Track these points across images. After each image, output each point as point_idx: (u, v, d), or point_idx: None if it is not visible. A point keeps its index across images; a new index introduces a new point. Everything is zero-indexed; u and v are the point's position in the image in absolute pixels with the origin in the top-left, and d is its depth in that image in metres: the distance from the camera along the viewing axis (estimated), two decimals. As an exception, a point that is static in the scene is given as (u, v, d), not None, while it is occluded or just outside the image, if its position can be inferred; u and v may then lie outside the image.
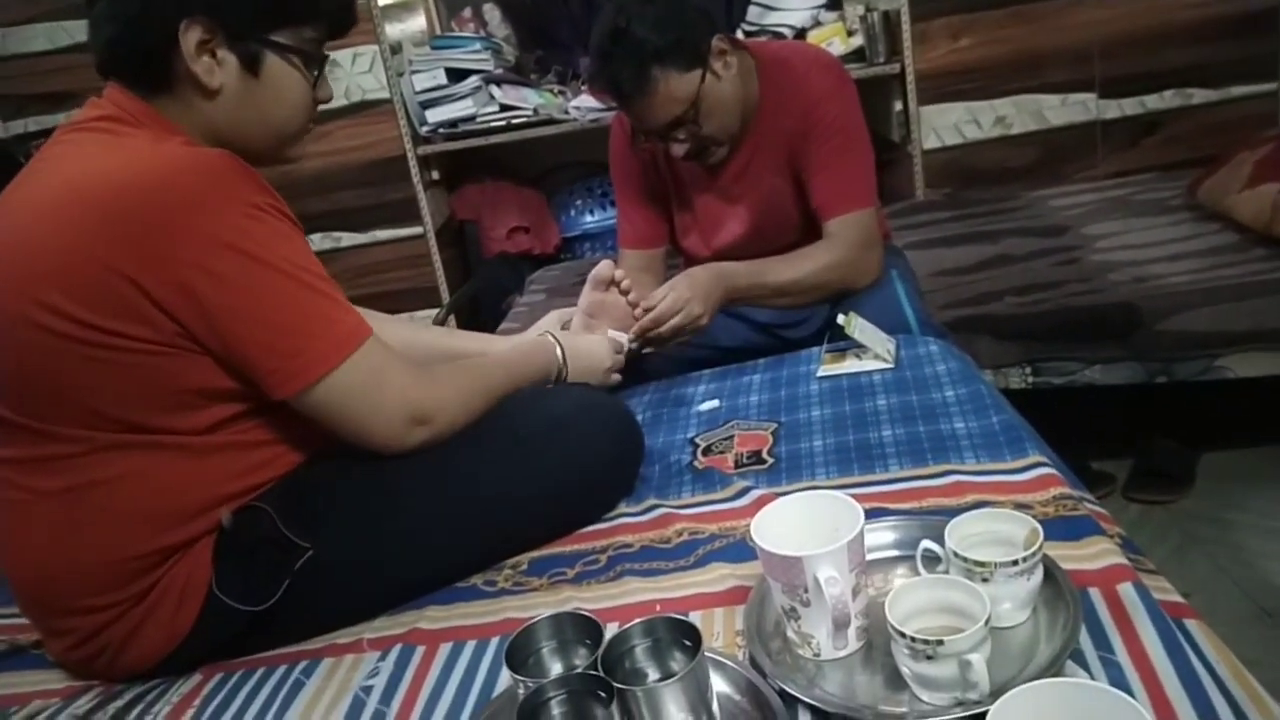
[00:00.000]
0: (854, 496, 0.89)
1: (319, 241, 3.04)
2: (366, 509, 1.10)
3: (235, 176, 0.99)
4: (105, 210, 0.95)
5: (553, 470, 1.19)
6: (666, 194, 1.86)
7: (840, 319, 1.52)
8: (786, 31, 3.07)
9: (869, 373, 1.49)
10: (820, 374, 1.53)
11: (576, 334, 1.47)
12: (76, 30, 2.85)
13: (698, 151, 1.69)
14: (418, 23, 3.29)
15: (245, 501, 1.07)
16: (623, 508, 1.25)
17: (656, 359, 1.63)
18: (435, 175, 3.09)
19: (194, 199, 0.96)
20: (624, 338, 1.52)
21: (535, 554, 1.18)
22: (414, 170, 2.99)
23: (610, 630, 0.86)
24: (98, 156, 1.00)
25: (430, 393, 1.10)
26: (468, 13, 3.42)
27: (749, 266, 1.66)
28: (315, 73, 1.11)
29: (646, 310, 1.51)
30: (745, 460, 1.31)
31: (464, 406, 1.14)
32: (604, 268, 1.53)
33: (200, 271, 0.95)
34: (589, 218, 3.35)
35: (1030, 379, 1.98)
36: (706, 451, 1.36)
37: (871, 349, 1.51)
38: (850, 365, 1.52)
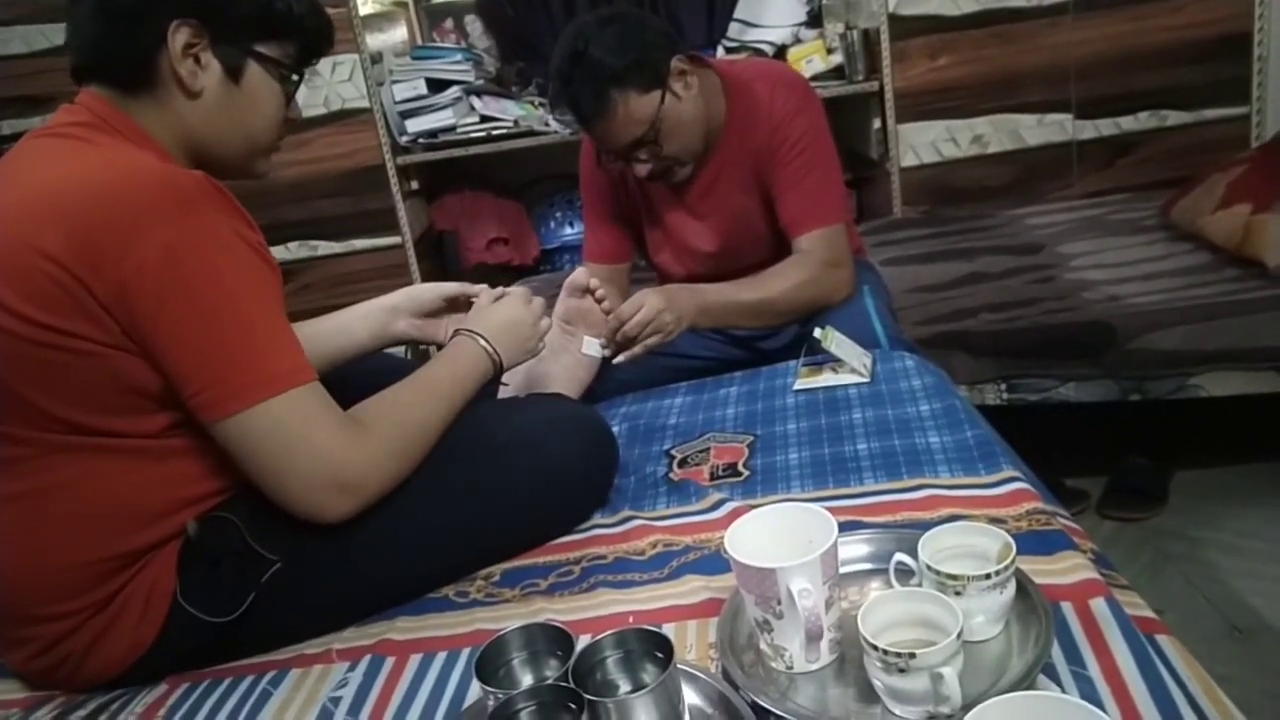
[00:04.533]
0: (829, 509, 0.89)
1: (295, 250, 3.03)
2: (336, 528, 1.07)
3: (207, 198, 0.97)
4: (66, 209, 0.94)
5: (526, 481, 1.18)
6: (635, 212, 1.87)
7: (817, 333, 1.53)
8: (767, 48, 3.10)
9: (845, 387, 1.49)
10: (797, 387, 1.53)
11: (484, 311, 1.29)
12: (54, 34, 2.82)
13: (661, 171, 1.70)
14: (399, 33, 3.29)
15: (210, 505, 1.05)
16: (597, 519, 1.24)
17: (632, 370, 1.63)
18: (414, 185, 3.09)
19: (157, 206, 0.94)
20: (598, 344, 1.52)
21: (508, 565, 1.17)
22: (393, 180, 2.98)
23: (582, 642, 0.85)
24: (72, 161, 0.99)
25: (360, 455, 1.02)
26: (449, 23, 3.42)
27: (720, 286, 1.68)
28: (291, 89, 1.12)
29: (619, 318, 1.52)
30: (721, 472, 1.31)
31: (396, 466, 1.06)
32: (579, 275, 1.54)
33: (141, 276, 0.93)
34: (568, 229, 3.35)
35: (1005, 395, 1.99)
36: (682, 463, 1.36)
37: (848, 363, 1.52)
38: (827, 379, 1.52)
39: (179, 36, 1.02)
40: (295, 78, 1.12)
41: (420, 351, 2.32)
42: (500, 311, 1.29)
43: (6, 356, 0.97)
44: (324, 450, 0.99)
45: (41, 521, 1.02)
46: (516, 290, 1.34)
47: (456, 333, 1.26)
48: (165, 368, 0.97)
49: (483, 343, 1.23)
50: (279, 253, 3.02)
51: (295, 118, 1.16)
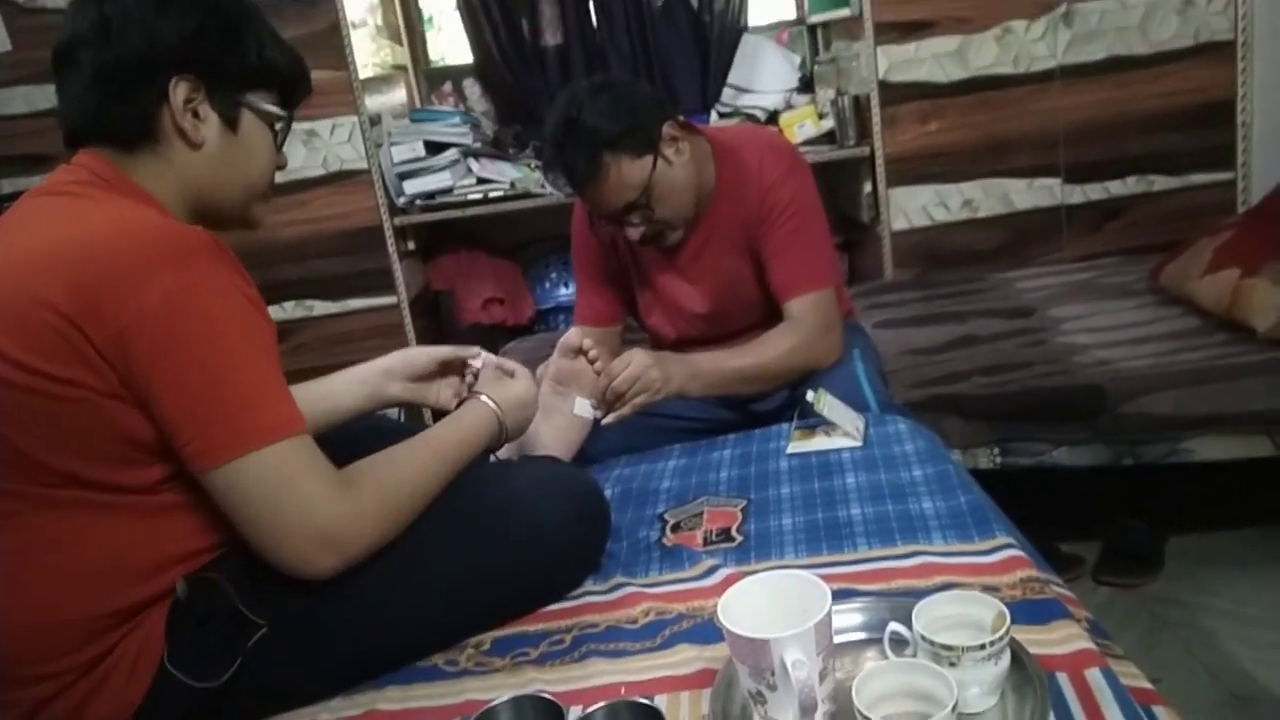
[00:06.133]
0: (822, 576, 0.89)
1: (291, 309, 3.03)
2: (324, 584, 1.06)
3: (208, 252, 0.99)
4: (67, 260, 0.96)
5: (517, 546, 1.17)
6: (626, 275, 1.90)
7: (810, 396, 1.53)
8: (760, 113, 3.15)
9: (838, 450, 1.49)
10: (790, 451, 1.53)
11: (496, 384, 1.32)
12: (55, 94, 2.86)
13: (653, 235, 1.73)
14: (398, 95, 3.34)
15: (200, 563, 1.05)
16: (589, 586, 1.23)
17: (624, 431, 1.63)
18: (411, 245, 3.10)
19: (158, 258, 0.96)
20: (590, 404, 1.53)
21: (498, 633, 1.15)
22: (390, 240, 3.00)
23: (573, 714, 0.84)
24: (74, 217, 1.01)
25: (347, 512, 1.02)
26: (448, 87, 3.48)
27: (710, 354, 1.70)
28: (281, 135, 1.16)
29: (608, 375, 1.53)
30: (714, 538, 1.30)
31: (385, 525, 1.06)
32: (572, 335, 1.56)
33: (139, 323, 0.94)
34: (563, 290, 3.37)
35: (999, 459, 1.99)
36: (675, 528, 1.35)
37: (841, 426, 1.52)
38: (820, 442, 1.52)
39: (179, 92, 1.05)
40: (281, 124, 1.16)
41: (414, 413, 2.32)
42: (517, 388, 1.32)
43: (3, 406, 0.97)
44: (310, 503, 0.99)
45: (29, 578, 1.01)
46: (525, 371, 1.36)
47: (472, 396, 1.29)
48: (159, 416, 0.97)
49: (498, 411, 1.26)
50: (275, 312, 3.02)
51: (283, 165, 1.20)
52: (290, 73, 1.15)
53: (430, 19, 3.63)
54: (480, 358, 1.41)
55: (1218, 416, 1.88)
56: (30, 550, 1.01)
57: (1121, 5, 2.78)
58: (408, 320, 3.06)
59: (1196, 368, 1.96)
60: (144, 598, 1.03)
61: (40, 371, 0.95)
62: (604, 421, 1.56)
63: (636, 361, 1.55)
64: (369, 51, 3.17)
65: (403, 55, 3.45)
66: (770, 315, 1.77)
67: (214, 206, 1.12)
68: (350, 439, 1.16)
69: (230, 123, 1.10)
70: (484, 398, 1.28)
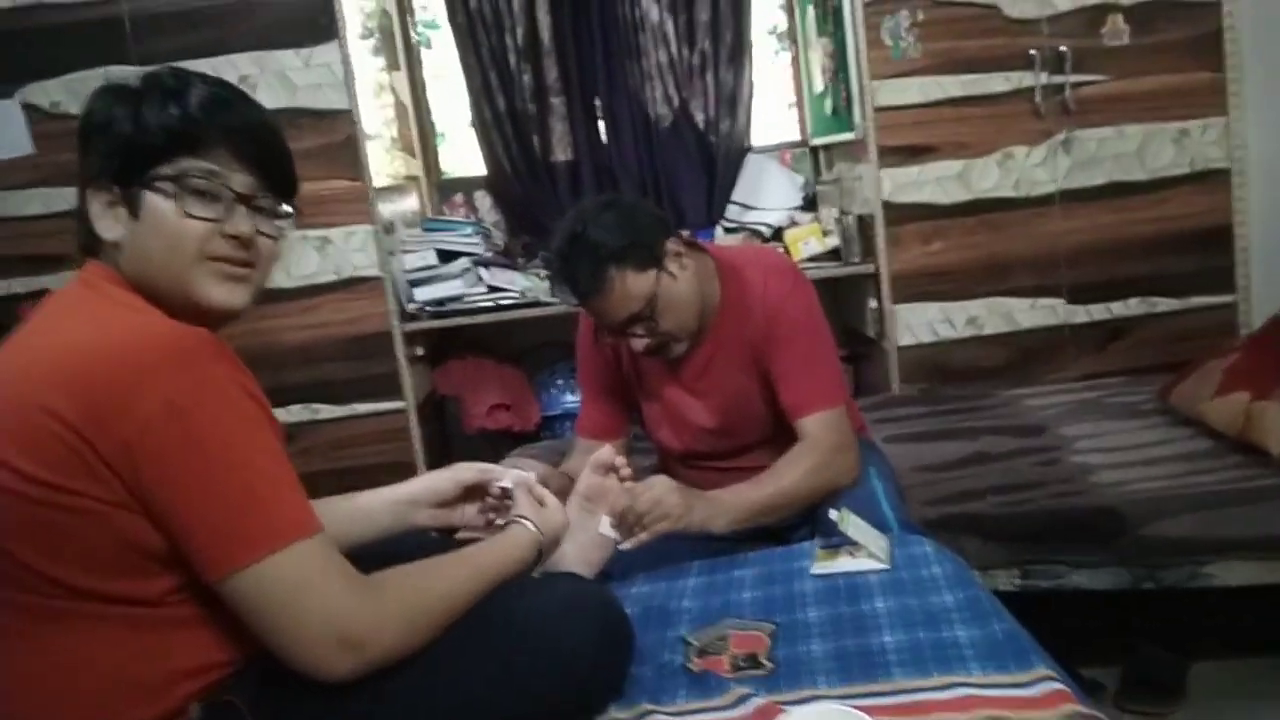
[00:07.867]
0: (858, 707, 0.87)
1: (298, 412, 3.02)
2: (343, 706, 1.03)
3: (206, 352, 0.99)
4: (70, 368, 0.95)
5: (539, 667, 1.14)
6: (630, 389, 1.91)
7: (833, 514, 1.52)
8: (765, 229, 3.22)
9: (864, 573, 1.46)
10: (815, 571, 1.50)
11: (535, 510, 1.33)
12: (70, 196, 2.89)
13: (657, 347, 1.74)
14: (410, 204, 3.40)
15: (209, 679, 1.02)
16: (613, 713, 1.19)
17: (640, 550, 1.61)
18: (419, 351, 3.11)
19: (157, 364, 0.96)
20: (610, 526, 1.51)
21: (522, 760, 1.11)
22: (399, 346, 3.01)
23: None
24: (77, 324, 1.01)
25: (368, 612, 1.01)
26: (459, 198, 3.55)
27: (731, 488, 1.68)
28: (211, 200, 1.06)
29: (630, 495, 1.52)
30: (742, 663, 1.27)
31: (408, 629, 1.05)
32: (605, 453, 1.55)
33: (144, 432, 0.93)
34: (569, 396, 3.36)
35: (1018, 581, 1.96)
36: (702, 652, 1.32)
37: (866, 547, 1.50)
38: (845, 564, 1.50)
39: (96, 199, 1.06)
40: (206, 190, 1.06)
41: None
42: (556, 519, 1.34)
43: (6, 517, 0.96)
44: (330, 603, 0.98)
45: (32, 694, 0.99)
46: (557, 503, 1.36)
47: (515, 520, 1.29)
48: (169, 525, 0.96)
49: (540, 539, 1.27)
50: (280, 415, 2.96)
51: (238, 233, 1.07)
52: (180, 126, 1.04)
53: (442, 134, 3.72)
54: (509, 478, 1.40)
55: (1238, 540, 1.86)
56: (33, 667, 0.98)
57: (1119, 134, 2.88)
58: (414, 425, 3.04)
59: (1214, 490, 1.95)
60: (153, 716, 0.99)
61: (44, 482, 0.94)
62: (622, 547, 1.54)
63: (659, 486, 1.55)
64: (383, 162, 3.24)
65: (415, 166, 3.52)
66: (778, 431, 1.77)
67: (162, 297, 1.06)
68: (390, 556, 1.14)
69: (132, 209, 1.05)
70: (528, 523, 1.28)
